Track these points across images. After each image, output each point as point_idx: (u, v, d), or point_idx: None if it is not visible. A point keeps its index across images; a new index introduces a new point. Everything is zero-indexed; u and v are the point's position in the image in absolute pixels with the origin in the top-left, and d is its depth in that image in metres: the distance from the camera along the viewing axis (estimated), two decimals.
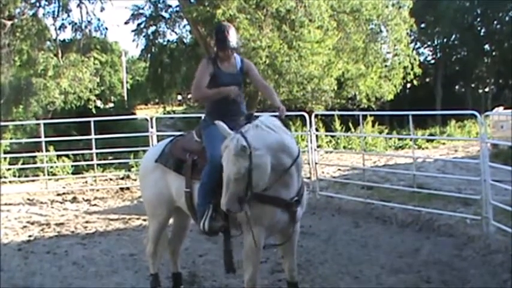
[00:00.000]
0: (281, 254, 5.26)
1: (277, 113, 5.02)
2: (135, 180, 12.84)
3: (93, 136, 12.45)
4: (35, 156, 14.43)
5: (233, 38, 5.14)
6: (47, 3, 24.43)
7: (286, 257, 5.13)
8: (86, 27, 26.13)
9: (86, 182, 13.52)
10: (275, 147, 4.47)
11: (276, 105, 5.11)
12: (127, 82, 50.70)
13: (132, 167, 14.20)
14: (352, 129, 18.77)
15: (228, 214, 4.54)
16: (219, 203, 4.50)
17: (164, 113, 40.62)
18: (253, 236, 4.64)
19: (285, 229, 4.88)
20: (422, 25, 35.33)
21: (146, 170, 5.62)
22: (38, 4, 24.22)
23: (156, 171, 5.43)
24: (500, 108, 18.55)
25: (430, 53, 41.30)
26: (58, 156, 15.33)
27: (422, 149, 18.67)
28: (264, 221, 4.65)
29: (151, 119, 12.31)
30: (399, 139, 18.82)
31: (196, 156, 5.11)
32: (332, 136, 18.65)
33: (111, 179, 13.66)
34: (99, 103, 36.45)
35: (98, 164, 13.57)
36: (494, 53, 39.86)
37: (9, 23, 22.92)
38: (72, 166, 14.87)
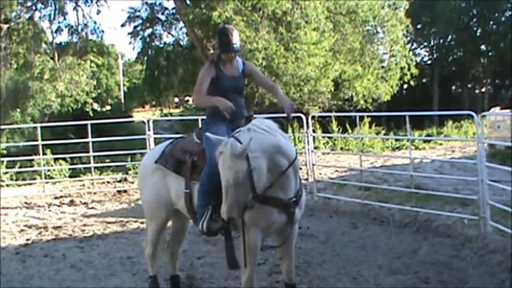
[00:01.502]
0: (279, 256, 5.27)
1: (283, 115, 5.04)
2: (133, 183, 12.84)
3: (90, 139, 12.45)
4: (32, 160, 14.39)
5: (236, 40, 5.16)
6: (43, 6, 24.41)
7: (284, 259, 5.13)
8: (82, 30, 26.11)
9: (84, 185, 13.50)
10: (271, 150, 4.46)
11: (281, 105, 5.15)
12: (124, 85, 50.70)
13: (130, 169, 14.18)
14: (349, 131, 18.80)
15: (229, 221, 4.48)
16: (218, 204, 4.50)
17: (161, 116, 40.59)
18: (250, 236, 4.65)
19: (283, 230, 4.88)
20: (419, 26, 35.43)
21: (146, 171, 5.62)
22: (34, 7, 24.20)
23: (155, 172, 5.43)
24: (497, 109, 18.59)
25: (427, 54, 41.42)
26: (55, 160, 15.30)
27: (420, 149, 18.71)
28: (260, 221, 4.64)
29: (148, 121, 12.31)
30: (396, 140, 18.85)
31: (196, 157, 5.11)
32: (329, 137, 18.66)
33: (108, 182, 13.64)
34: (96, 106, 36.48)
35: (95, 167, 13.56)
36: (490, 53, 39.95)
37: (5, 26, 22.92)
38: (69, 169, 14.86)
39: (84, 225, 9.66)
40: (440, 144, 19.90)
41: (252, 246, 4.71)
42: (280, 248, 5.02)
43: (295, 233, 5.10)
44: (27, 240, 8.77)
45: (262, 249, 4.91)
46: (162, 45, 30.74)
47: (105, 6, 28.27)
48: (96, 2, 25.38)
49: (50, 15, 24.85)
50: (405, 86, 31.14)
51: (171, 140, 5.66)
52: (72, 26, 25.95)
